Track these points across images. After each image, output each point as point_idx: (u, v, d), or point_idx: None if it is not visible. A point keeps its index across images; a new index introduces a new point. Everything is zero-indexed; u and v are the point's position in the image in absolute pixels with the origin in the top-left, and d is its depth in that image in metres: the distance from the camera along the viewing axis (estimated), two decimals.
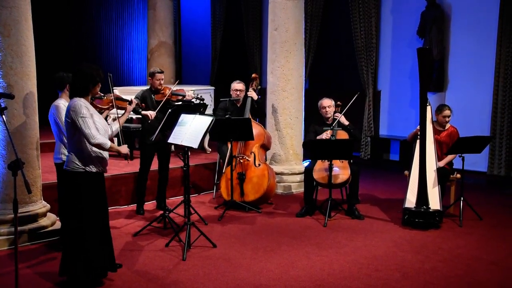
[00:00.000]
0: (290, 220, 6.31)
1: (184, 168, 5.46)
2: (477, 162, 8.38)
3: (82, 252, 4.17)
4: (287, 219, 6.33)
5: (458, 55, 8.97)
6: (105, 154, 4.27)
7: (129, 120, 8.33)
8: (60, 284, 4.38)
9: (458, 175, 6.48)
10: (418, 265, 4.88)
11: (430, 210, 5.91)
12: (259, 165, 6.78)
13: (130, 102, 5.28)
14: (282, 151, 7.66)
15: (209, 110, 8.22)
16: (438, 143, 6.43)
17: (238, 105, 7.18)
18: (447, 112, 6.44)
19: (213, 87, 9.51)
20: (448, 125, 6.53)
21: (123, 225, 6.06)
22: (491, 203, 7.08)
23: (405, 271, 4.74)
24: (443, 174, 6.25)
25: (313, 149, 6.27)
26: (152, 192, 6.78)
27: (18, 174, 3.77)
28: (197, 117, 5.38)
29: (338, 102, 6.73)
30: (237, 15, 11.82)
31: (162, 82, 6.41)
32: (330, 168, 6.20)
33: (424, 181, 5.92)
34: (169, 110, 5.55)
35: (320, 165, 6.41)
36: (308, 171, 6.48)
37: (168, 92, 6.30)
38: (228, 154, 6.74)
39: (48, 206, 5.58)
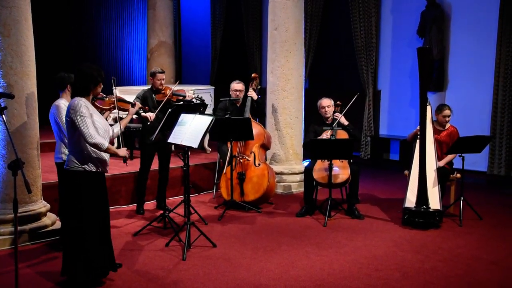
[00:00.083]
0: (290, 220, 6.31)
1: (184, 168, 5.46)
2: (477, 161, 8.38)
3: (82, 252, 4.17)
4: (287, 219, 6.33)
5: (458, 55, 8.97)
6: (106, 155, 4.27)
7: (129, 120, 8.31)
8: (60, 284, 4.39)
9: (458, 175, 6.48)
10: (418, 265, 4.88)
11: (430, 210, 5.91)
12: (259, 164, 6.79)
13: (133, 105, 5.26)
14: (282, 151, 7.66)
15: (209, 110, 8.23)
16: (438, 143, 6.43)
17: (238, 105, 7.18)
18: (447, 111, 6.44)
19: (213, 87, 9.51)
20: (448, 125, 6.53)
21: (123, 225, 6.06)
22: (491, 203, 7.08)
23: (405, 271, 4.74)
24: (443, 174, 6.25)
25: (313, 148, 6.27)
26: (152, 192, 6.78)
27: (18, 174, 3.77)
28: (197, 117, 5.38)
29: (338, 102, 6.73)
30: (237, 15, 11.82)
31: (163, 82, 6.41)
32: (330, 168, 6.20)
33: (424, 181, 5.92)
34: (169, 110, 5.55)
35: (320, 165, 6.41)
36: (308, 171, 6.48)
37: (168, 92, 6.30)
38: (228, 154, 6.74)
39: (48, 206, 5.58)
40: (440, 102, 7.89)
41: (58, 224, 5.46)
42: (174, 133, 5.41)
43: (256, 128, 6.80)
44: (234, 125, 6.52)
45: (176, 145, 6.33)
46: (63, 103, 4.94)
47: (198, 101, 6.48)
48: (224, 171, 6.83)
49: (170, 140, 5.45)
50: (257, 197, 6.68)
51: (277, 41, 7.54)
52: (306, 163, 7.43)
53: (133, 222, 6.18)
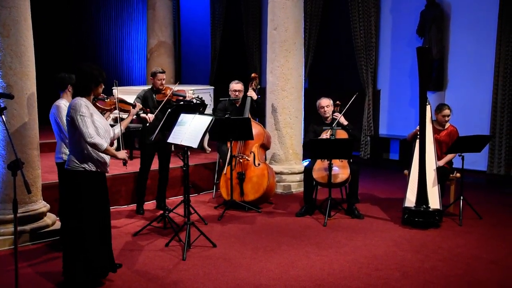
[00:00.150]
0: (290, 219, 6.31)
1: (184, 168, 5.46)
2: (476, 161, 8.39)
3: (81, 252, 4.17)
4: (287, 219, 6.33)
5: (457, 54, 8.97)
6: (106, 156, 4.27)
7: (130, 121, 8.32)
8: (61, 284, 4.38)
9: (458, 174, 6.48)
10: (418, 264, 4.89)
11: (430, 209, 5.91)
12: (259, 164, 6.78)
13: (134, 106, 5.26)
14: (282, 151, 7.66)
15: (208, 110, 8.22)
16: (437, 143, 6.43)
17: (237, 105, 7.18)
18: (446, 111, 6.44)
19: (213, 87, 9.50)
20: (447, 124, 6.53)
21: (123, 225, 6.06)
22: (491, 202, 7.08)
23: (405, 270, 4.74)
24: (442, 173, 6.25)
25: (313, 148, 6.27)
26: (152, 192, 6.78)
27: (17, 174, 3.77)
28: (197, 117, 5.38)
29: (337, 102, 6.73)
30: (236, 15, 11.81)
31: (163, 82, 6.42)
32: (330, 168, 6.20)
33: (424, 180, 5.92)
34: (169, 110, 5.54)
35: (320, 165, 6.41)
36: (307, 171, 6.48)
37: (169, 92, 6.30)
38: (228, 154, 6.74)
39: (48, 206, 5.58)
40: (440, 102, 7.88)
41: (58, 225, 5.46)
42: (173, 133, 5.41)
43: (255, 128, 6.80)
44: (233, 125, 6.52)
45: (176, 145, 6.34)
46: (63, 103, 4.94)
47: (198, 101, 6.48)
48: (224, 171, 6.83)
49: (169, 140, 5.45)
50: (257, 197, 6.68)
51: (276, 41, 7.54)
52: (305, 162, 7.44)
53: (133, 222, 6.18)
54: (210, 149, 8.69)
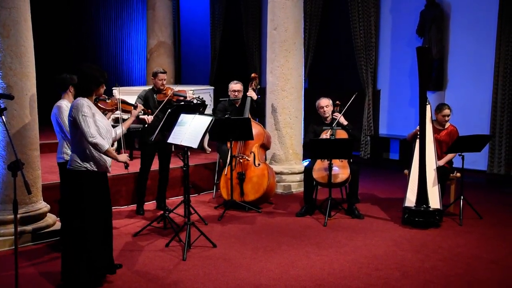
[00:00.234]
0: (290, 219, 6.31)
1: (184, 168, 5.46)
2: (476, 160, 8.39)
3: (84, 252, 4.17)
4: (287, 219, 6.33)
5: (457, 54, 8.97)
6: (108, 160, 4.27)
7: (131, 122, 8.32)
8: (61, 284, 4.38)
9: (458, 174, 6.48)
10: (418, 264, 4.89)
11: (430, 209, 5.91)
12: (259, 164, 6.79)
13: (136, 107, 5.26)
14: (282, 151, 7.66)
15: (208, 110, 8.23)
16: (437, 142, 6.43)
17: (237, 105, 7.18)
18: (446, 111, 6.44)
19: (213, 87, 9.51)
20: (447, 124, 6.53)
21: (123, 225, 6.07)
22: (491, 202, 7.08)
23: (405, 270, 4.74)
24: (443, 173, 6.26)
25: (313, 148, 6.27)
26: (152, 192, 6.78)
27: (18, 175, 3.77)
28: (197, 117, 5.38)
29: (337, 102, 6.73)
30: (236, 15, 11.82)
31: (164, 82, 6.42)
32: (330, 168, 6.20)
33: (424, 180, 5.92)
34: (169, 110, 5.54)
35: (320, 165, 6.41)
36: (307, 171, 6.48)
37: (170, 93, 6.31)
38: (228, 154, 6.74)
39: (48, 206, 5.59)
40: (440, 102, 7.87)
41: (58, 225, 5.46)
42: (173, 133, 5.41)
43: (255, 128, 6.80)
44: (233, 125, 6.52)
45: (176, 145, 6.34)
46: (65, 104, 4.95)
47: (198, 102, 6.48)
48: (225, 171, 6.83)
49: (169, 140, 5.45)
50: (257, 197, 6.69)
51: (276, 41, 7.54)
52: (305, 162, 7.44)
53: (133, 222, 6.18)
54: (210, 149, 8.70)
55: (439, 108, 6.50)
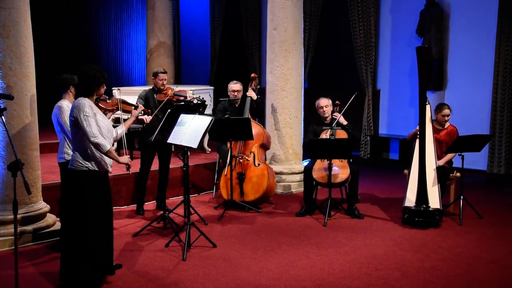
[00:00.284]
0: (290, 219, 6.31)
1: (184, 168, 5.46)
2: (476, 160, 8.39)
3: (86, 251, 4.18)
4: (287, 219, 6.34)
5: (457, 54, 8.97)
6: (109, 161, 4.27)
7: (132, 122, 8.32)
8: (62, 284, 4.38)
9: (458, 174, 6.48)
10: (418, 264, 4.89)
11: (430, 209, 5.91)
12: (259, 164, 6.79)
13: (136, 107, 5.26)
14: (282, 151, 7.66)
15: (208, 110, 8.23)
16: (437, 142, 6.43)
17: (237, 105, 7.18)
18: (446, 111, 6.44)
19: (213, 87, 9.51)
20: (447, 124, 6.53)
21: (123, 225, 6.07)
22: (491, 202, 7.08)
23: (405, 270, 4.74)
24: (442, 173, 6.26)
25: (313, 148, 6.27)
26: (152, 192, 6.78)
27: (17, 175, 3.77)
28: (196, 117, 5.38)
29: (337, 102, 6.72)
30: (236, 15, 11.82)
31: (164, 82, 6.42)
32: (330, 168, 6.20)
33: (423, 180, 5.92)
34: (169, 110, 5.54)
35: (320, 165, 6.42)
36: (307, 171, 6.49)
37: (170, 93, 6.31)
38: (228, 154, 6.74)
39: (48, 206, 5.59)
40: (440, 101, 7.87)
41: (58, 225, 5.46)
42: (173, 133, 5.41)
43: (255, 128, 6.80)
44: (233, 125, 6.52)
45: (176, 146, 6.34)
46: (65, 104, 4.95)
47: (199, 102, 6.48)
48: (225, 171, 6.84)
49: (169, 140, 5.45)
50: (257, 197, 6.69)
51: (276, 41, 7.54)
52: (305, 162, 7.44)
53: (133, 222, 6.18)
54: (210, 149, 8.70)
55: (439, 108, 6.50)
